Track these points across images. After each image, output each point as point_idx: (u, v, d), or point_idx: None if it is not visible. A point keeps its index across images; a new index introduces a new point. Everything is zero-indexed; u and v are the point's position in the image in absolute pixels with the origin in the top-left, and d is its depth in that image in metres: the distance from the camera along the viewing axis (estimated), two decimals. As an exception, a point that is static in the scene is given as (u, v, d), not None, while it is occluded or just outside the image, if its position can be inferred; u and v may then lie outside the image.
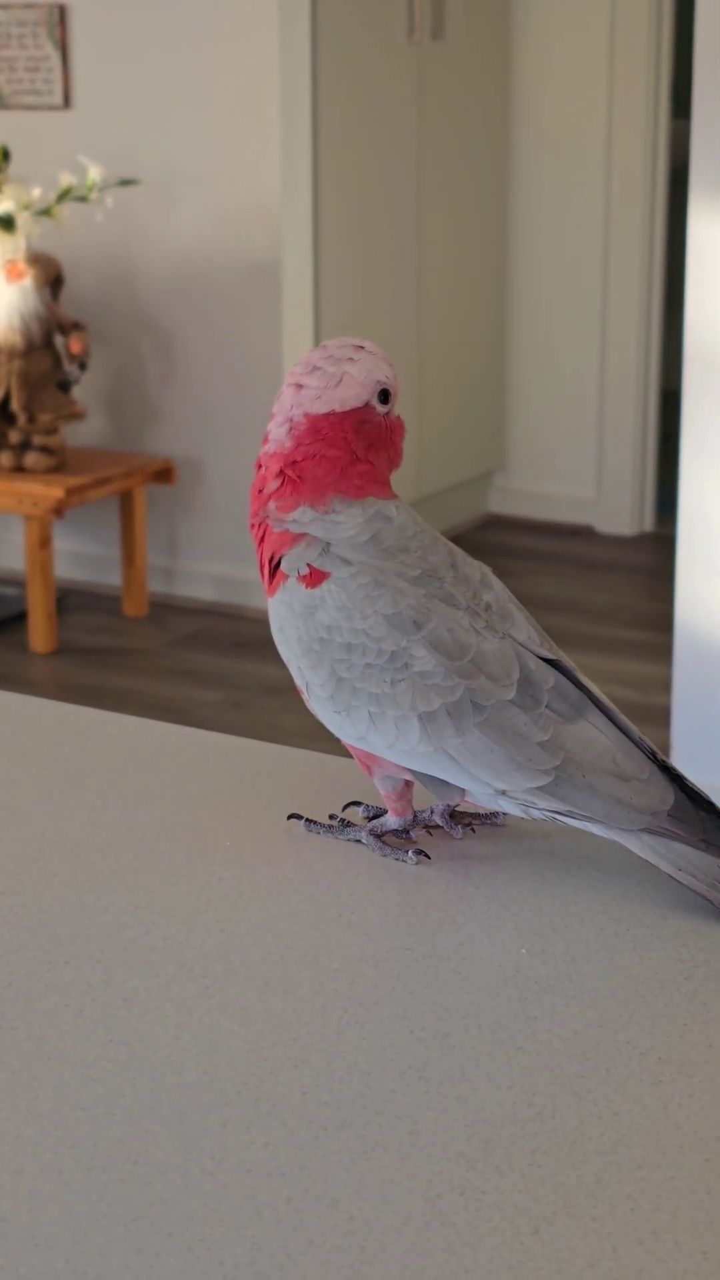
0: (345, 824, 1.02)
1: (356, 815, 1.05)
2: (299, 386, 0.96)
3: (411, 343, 4.45)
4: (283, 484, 0.97)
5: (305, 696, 0.98)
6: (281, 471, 0.97)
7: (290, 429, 0.96)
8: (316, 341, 4.06)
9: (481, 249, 4.74)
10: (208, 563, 4.30)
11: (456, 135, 4.53)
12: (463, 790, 0.96)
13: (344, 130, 4.06)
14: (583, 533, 4.84)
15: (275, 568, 0.97)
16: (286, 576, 0.96)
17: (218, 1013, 0.84)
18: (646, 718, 3.33)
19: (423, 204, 4.42)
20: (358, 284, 4.21)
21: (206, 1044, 0.81)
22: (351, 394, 0.96)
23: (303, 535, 0.96)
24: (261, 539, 0.98)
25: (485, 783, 0.94)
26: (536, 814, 0.95)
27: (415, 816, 1.01)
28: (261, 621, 4.13)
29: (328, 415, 0.96)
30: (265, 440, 0.98)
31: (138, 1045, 0.82)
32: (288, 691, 3.70)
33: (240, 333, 4.15)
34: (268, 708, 3.65)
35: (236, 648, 4.01)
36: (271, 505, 0.98)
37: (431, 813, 1.01)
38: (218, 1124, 0.76)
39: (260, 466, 0.98)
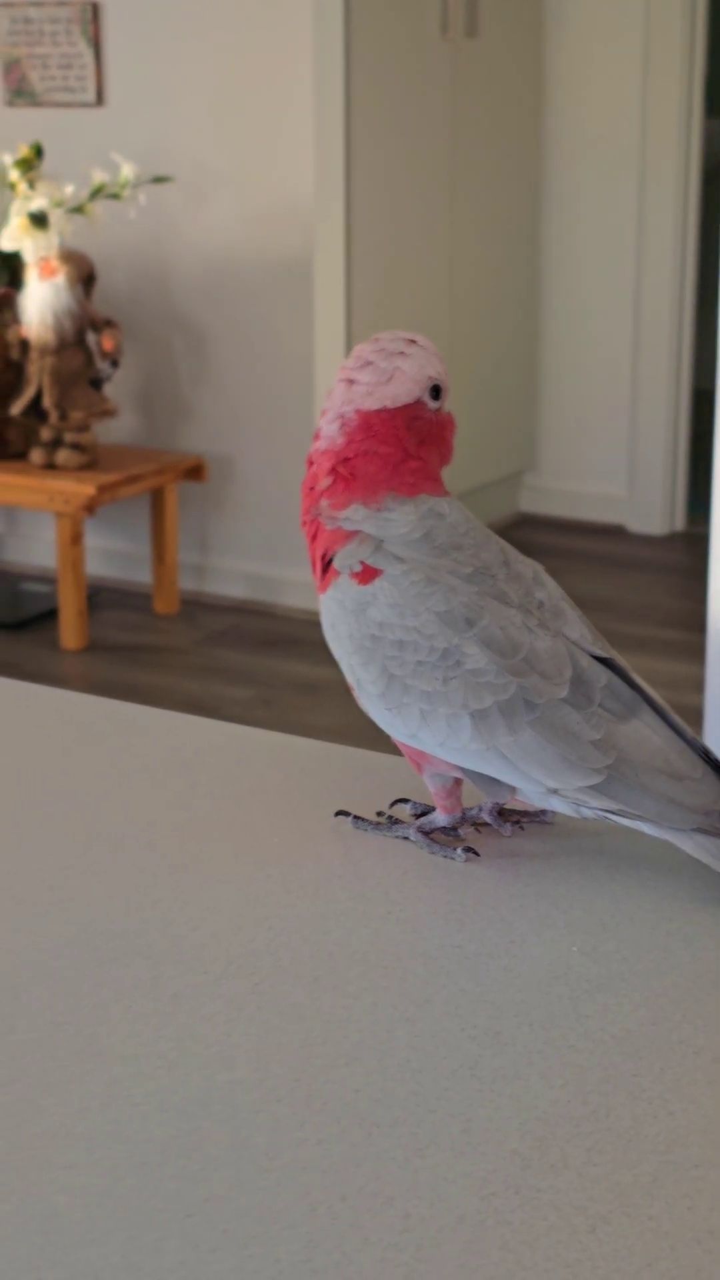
0: (393, 821, 1.02)
1: (404, 812, 1.04)
2: (351, 382, 0.96)
3: (443, 341, 4.44)
4: (335, 481, 0.97)
5: (356, 694, 0.97)
6: (334, 469, 0.96)
7: (342, 425, 0.96)
8: (349, 340, 4.05)
9: (514, 247, 4.73)
10: (238, 560, 4.31)
11: (490, 133, 4.52)
12: (513, 788, 0.95)
13: (377, 128, 4.05)
14: (614, 532, 4.84)
15: (327, 565, 0.97)
16: (338, 574, 0.96)
17: (268, 1010, 0.84)
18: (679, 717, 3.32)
19: (455, 202, 4.41)
20: (389, 282, 4.21)
21: (257, 1041, 0.81)
22: (404, 390, 0.96)
23: (355, 532, 0.96)
24: (314, 536, 0.98)
25: (537, 781, 0.93)
26: (587, 813, 0.95)
27: (464, 814, 1.00)
28: (292, 619, 4.13)
29: (379, 412, 0.95)
30: (317, 436, 0.98)
31: (188, 1041, 0.81)
32: (318, 689, 3.71)
33: (272, 331, 4.15)
34: (298, 705, 3.65)
35: (267, 645, 4.01)
36: (324, 502, 0.97)
37: (480, 810, 1.00)
38: (270, 1121, 0.75)
39: (311, 463, 0.98)
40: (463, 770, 0.96)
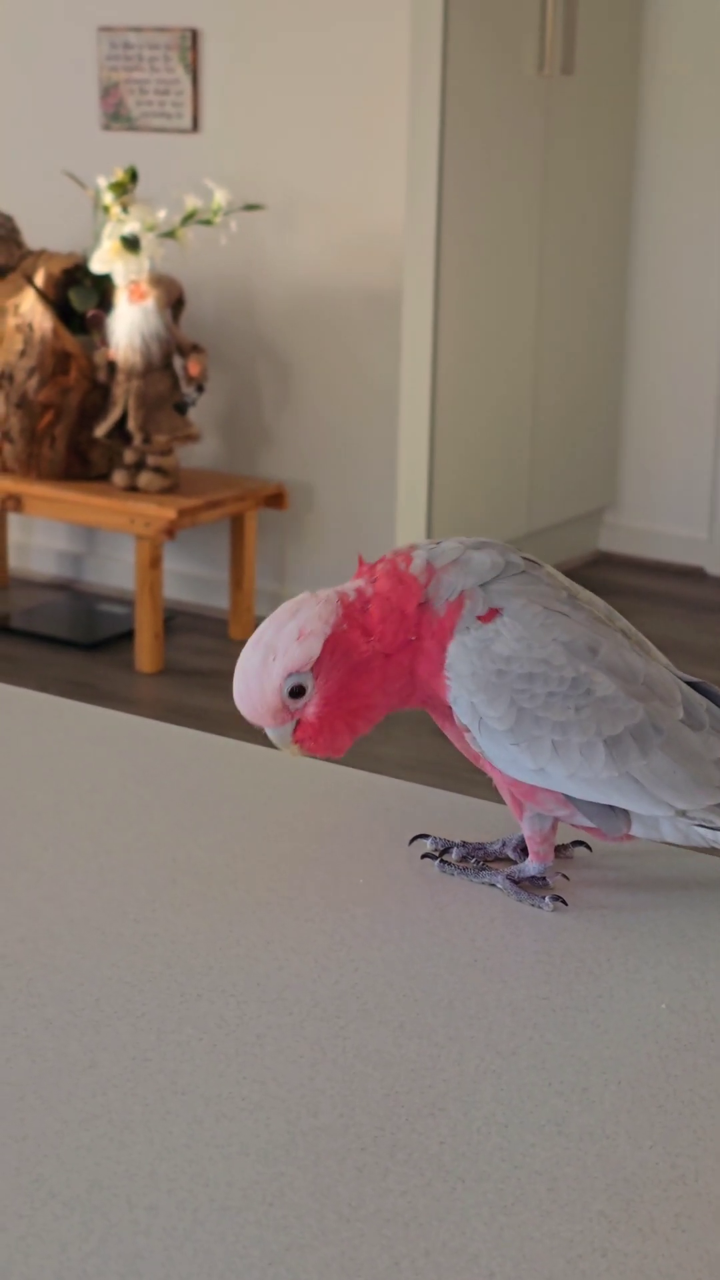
0: (481, 865, 1.01)
1: (426, 845, 1.04)
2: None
3: (527, 375, 4.43)
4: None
5: (472, 734, 0.96)
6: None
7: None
8: (434, 372, 4.05)
9: (602, 284, 4.72)
10: (315, 588, 4.30)
11: (582, 170, 4.51)
12: (629, 819, 0.95)
13: (470, 161, 4.05)
14: (693, 574, 4.81)
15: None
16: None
17: (352, 1055, 0.83)
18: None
19: (545, 238, 4.40)
20: (477, 315, 4.20)
21: (341, 1086, 0.80)
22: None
23: (461, 598, 0.96)
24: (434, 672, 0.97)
25: (667, 804, 0.93)
26: (699, 836, 0.95)
27: (504, 843, 1.01)
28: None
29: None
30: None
31: (271, 1084, 0.80)
32: (389, 721, 3.68)
33: (357, 360, 4.15)
34: (368, 737, 3.62)
35: (341, 675, 4.00)
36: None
37: (503, 845, 1.01)
38: (354, 1169, 0.74)
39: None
40: (578, 802, 0.95)
